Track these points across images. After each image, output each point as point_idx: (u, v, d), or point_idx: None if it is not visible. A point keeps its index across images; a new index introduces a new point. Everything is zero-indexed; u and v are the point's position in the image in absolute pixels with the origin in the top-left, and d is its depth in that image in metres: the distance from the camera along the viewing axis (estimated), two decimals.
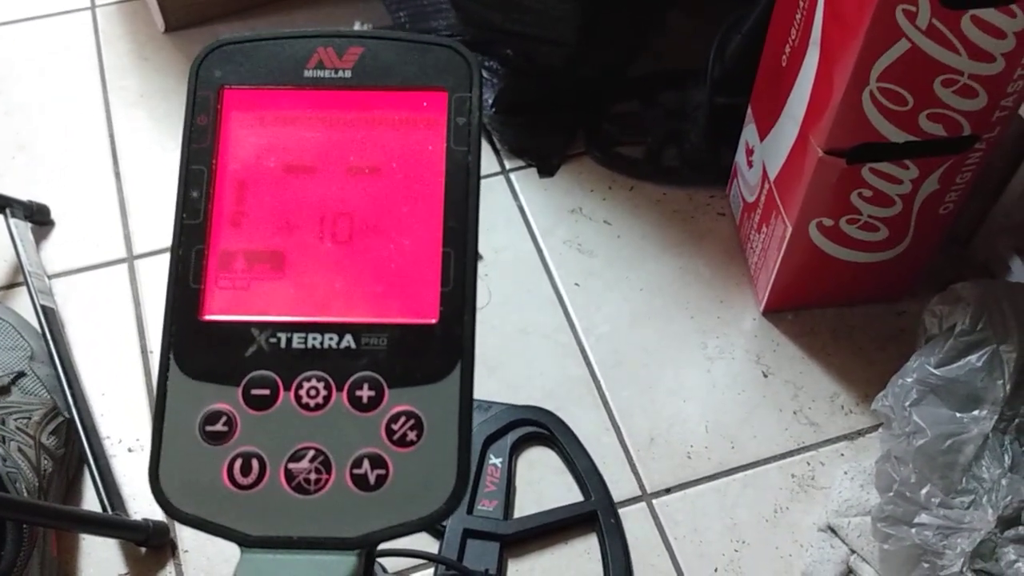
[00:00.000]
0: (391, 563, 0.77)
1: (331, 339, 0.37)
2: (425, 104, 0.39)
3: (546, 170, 1.03)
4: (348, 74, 0.39)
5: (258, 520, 0.36)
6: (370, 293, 0.37)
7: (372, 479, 0.36)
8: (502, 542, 0.78)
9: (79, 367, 0.89)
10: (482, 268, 0.95)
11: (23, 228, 0.95)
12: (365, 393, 0.36)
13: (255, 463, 0.36)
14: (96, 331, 0.92)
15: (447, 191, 0.38)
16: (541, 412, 0.86)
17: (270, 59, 0.39)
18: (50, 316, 0.89)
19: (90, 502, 0.81)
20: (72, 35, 1.15)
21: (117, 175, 1.03)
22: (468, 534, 0.78)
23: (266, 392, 0.36)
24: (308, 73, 0.39)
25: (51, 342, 0.87)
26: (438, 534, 0.78)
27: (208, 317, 0.37)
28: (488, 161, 1.04)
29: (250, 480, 0.36)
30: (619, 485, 0.82)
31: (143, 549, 0.79)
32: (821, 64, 0.74)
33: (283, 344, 0.37)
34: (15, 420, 0.78)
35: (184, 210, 0.38)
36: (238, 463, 0.36)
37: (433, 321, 0.37)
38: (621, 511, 0.81)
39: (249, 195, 0.38)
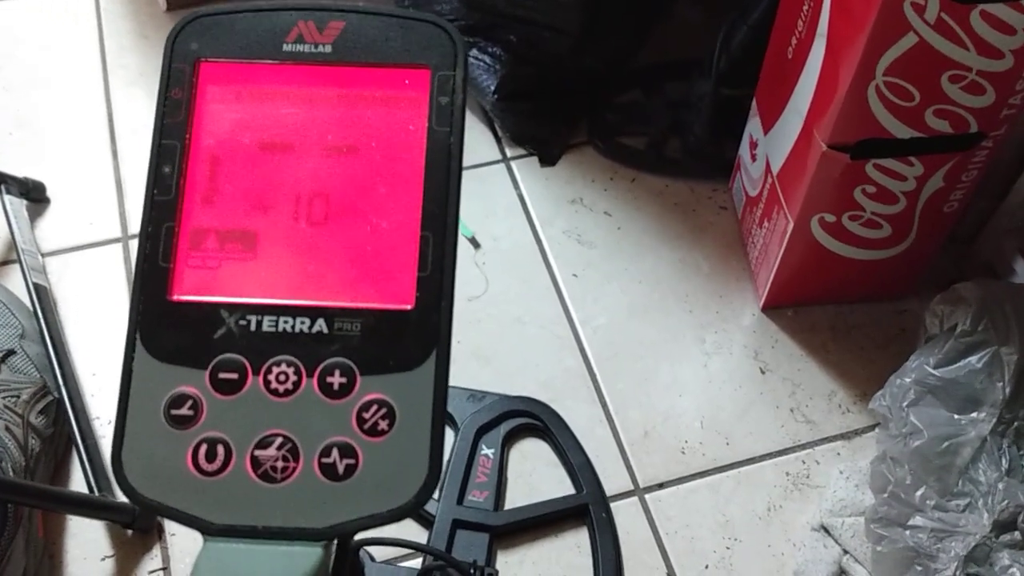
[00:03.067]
0: (378, 551, 0.76)
1: (303, 323, 0.36)
2: (407, 82, 0.38)
3: (547, 159, 1.02)
4: (328, 49, 0.38)
5: (222, 508, 0.35)
6: (344, 276, 0.36)
7: (341, 469, 0.35)
8: (492, 533, 0.78)
9: (70, 347, 0.88)
10: (480, 256, 0.94)
11: (18, 205, 0.94)
12: (336, 380, 0.35)
13: (221, 449, 0.35)
14: (88, 311, 0.91)
15: (427, 173, 0.37)
16: (535, 403, 0.85)
17: (248, 32, 0.38)
18: (42, 294, 0.88)
19: (77, 483, 0.81)
20: (74, 12, 1.14)
21: (114, 154, 1.02)
22: (458, 524, 0.77)
23: (234, 376, 0.36)
24: (287, 47, 0.38)
25: (42, 321, 0.86)
26: (427, 523, 0.78)
27: (177, 297, 0.36)
28: (489, 148, 1.03)
29: (215, 466, 0.35)
30: (612, 479, 0.82)
31: (129, 531, 0.79)
32: (827, 57, 0.72)
33: (253, 327, 0.36)
34: (3, 398, 0.78)
35: (155, 186, 0.37)
36: (203, 448, 0.35)
37: (409, 307, 0.36)
38: (613, 505, 0.80)
39: (223, 172, 0.37)
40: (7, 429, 0.76)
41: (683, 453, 0.83)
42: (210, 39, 0.38)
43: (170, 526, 0.79)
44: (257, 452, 0.35)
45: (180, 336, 0.36)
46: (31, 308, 0.88)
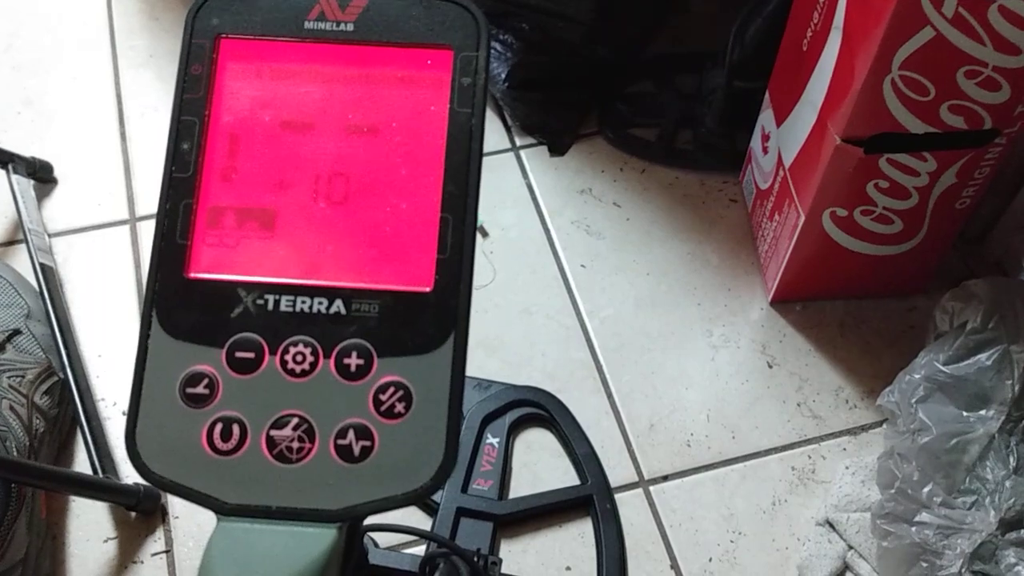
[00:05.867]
0: (382, 537, 0.76)
1: (320, 303, 0.36)
2: (429, 62, 0.37)
3: (557, 149, 1.01)
4: (350, 27, 0.38)
5: (236, 487, 0.34)
6: (363, 257, 0.36)
7: (357, 450, 0.35)
8: (496, 522, 0.78)
9: (76, 328, 0.88)
10: (488, 246, 0.94)
11: (25, 185, 0.94)
12: (353, 361, 0.35)
13: (236, 428, 0.35)
14: (95, 292, 0.91)
15: (448, 154, 0.37)
16: (541, 393, 0.84)
17: (270, 8, 0.38)
18: (49, 275, 0.88)
19: (81, 464, 0.81)
20: None
21: (123, 136, 1.02)
22: (462, 512, 0.77)
23: (251, 355, 0.35)
24: (309, 25, 0.38)
25: (48, 301, 0.86)
26: (431, 511, 0.77)
27: (194, 275, 0.36)
28: (499, 137, 1.02)
29: (230, 446, 0.35)
30: (616, 470, 0.81)
31: (133, 514, 0.78)
32: (843, 50, 0.72)
33: (270, 306, 0.36)
34: (8, 378, 0.77)
35: (173, 163, 0.37)
36: (218, 427, 0.35)
37: (427, 289, 0.36)
38: (617, 496, 0.80)
39: (242, 150, 0.37)
40: (12, 409, 0.76)
41: (688, 446, 0.83)
42: (231, 15, 0.38)
43: (174, 509, 0.79)
44: (273, 432, 0.35)
45: (197, 314, 0.36)
46: (37, 288, 0.87)
